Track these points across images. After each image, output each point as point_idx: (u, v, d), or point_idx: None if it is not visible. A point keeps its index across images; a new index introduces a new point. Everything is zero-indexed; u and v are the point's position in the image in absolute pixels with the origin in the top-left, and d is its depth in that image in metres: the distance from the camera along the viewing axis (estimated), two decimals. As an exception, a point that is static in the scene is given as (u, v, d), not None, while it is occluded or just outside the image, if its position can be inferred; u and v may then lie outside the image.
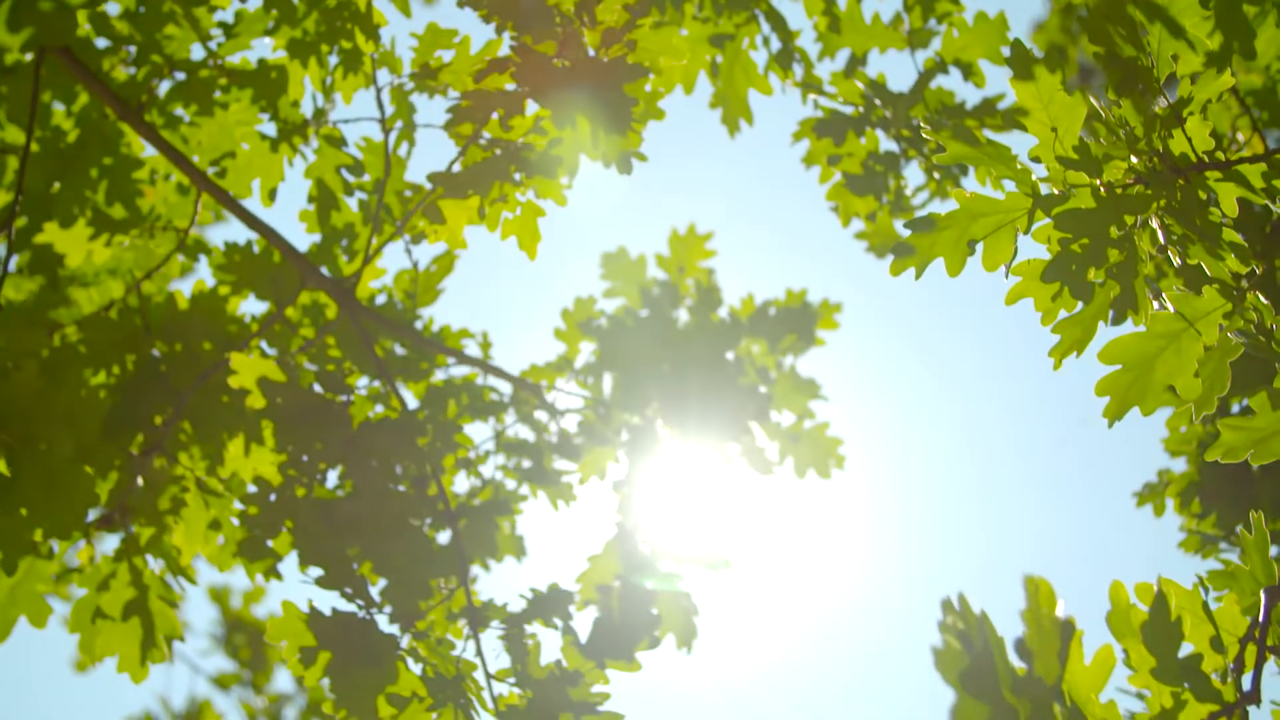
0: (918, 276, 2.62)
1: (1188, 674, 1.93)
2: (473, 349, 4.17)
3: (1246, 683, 2.03)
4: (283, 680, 8.38)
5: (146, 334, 3.60)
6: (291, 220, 3.88)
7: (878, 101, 3.93)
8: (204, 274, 6.73)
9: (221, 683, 8.29)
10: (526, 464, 4.11)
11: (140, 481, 3.45)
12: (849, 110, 4.00)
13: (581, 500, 4.25)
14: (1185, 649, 2.00)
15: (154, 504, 3.42)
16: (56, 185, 3.57)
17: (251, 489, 3.37)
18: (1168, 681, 1.93)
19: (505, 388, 4.18)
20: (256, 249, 3.73)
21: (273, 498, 3.38)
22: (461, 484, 4.10)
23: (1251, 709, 2.01)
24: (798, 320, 4.58)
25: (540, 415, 4.22)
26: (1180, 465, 3.90)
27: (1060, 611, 1.72)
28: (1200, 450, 3.81)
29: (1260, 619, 2.02)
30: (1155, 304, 2.59)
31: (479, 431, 4.21)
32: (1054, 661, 1.72)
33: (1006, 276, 2.67)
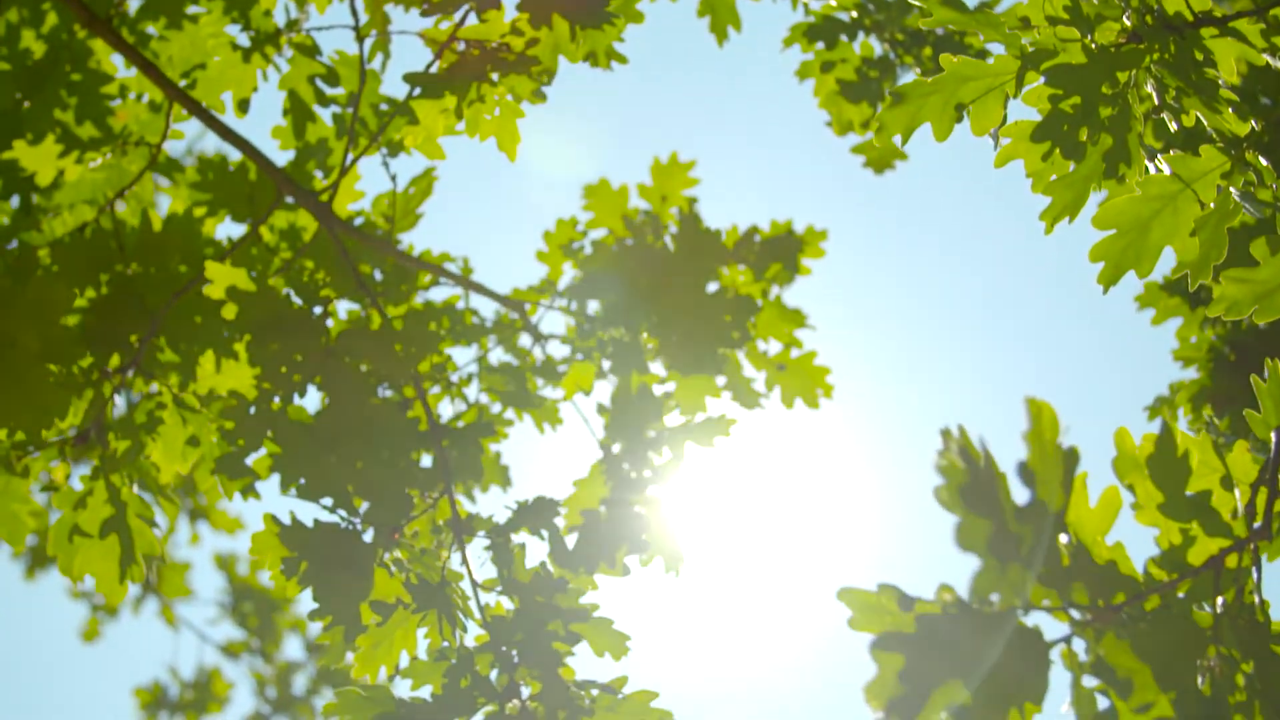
0: (904, 141, 2.53)
1: (1196, 509, 1.83)
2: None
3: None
4: (292, 648, 8.34)
5: (121, 255, 3.52)
6: (265, 141, 3.80)
7: (870, 6, 3.84)
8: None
9: (230, 651, 8.25)
10: (510, 386, 4.02)
11: (117, 400, 3.37)
12: (844, 17, 3.90)
13: (567, 424, 4.16)
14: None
15: (130, 421, 3.34)
16: (25, 105, 3.50)
17: (228, 403, 3.29)
18: (1176, 517, 1.83)
19: (487, 312, 4.09)
20: (231, 167, 3.64)
21: (251, 410, 3.30)
22: (445, 409, 4.02)
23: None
24: (782, 248, 4.47)
25: (524, 341, 4.13)
26: (1191, 375, 3.81)
27: (1063, 438, 1.62)
28: (1210, 358, 3.72)
29: (1272, 456, 1.92)
30: (1151, 166, 2.49)
31: (461, 356, 4.13)
32: (1057, 490, 1.62)
33: (996, 144, 2.58)
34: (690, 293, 4.23)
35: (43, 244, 3.54)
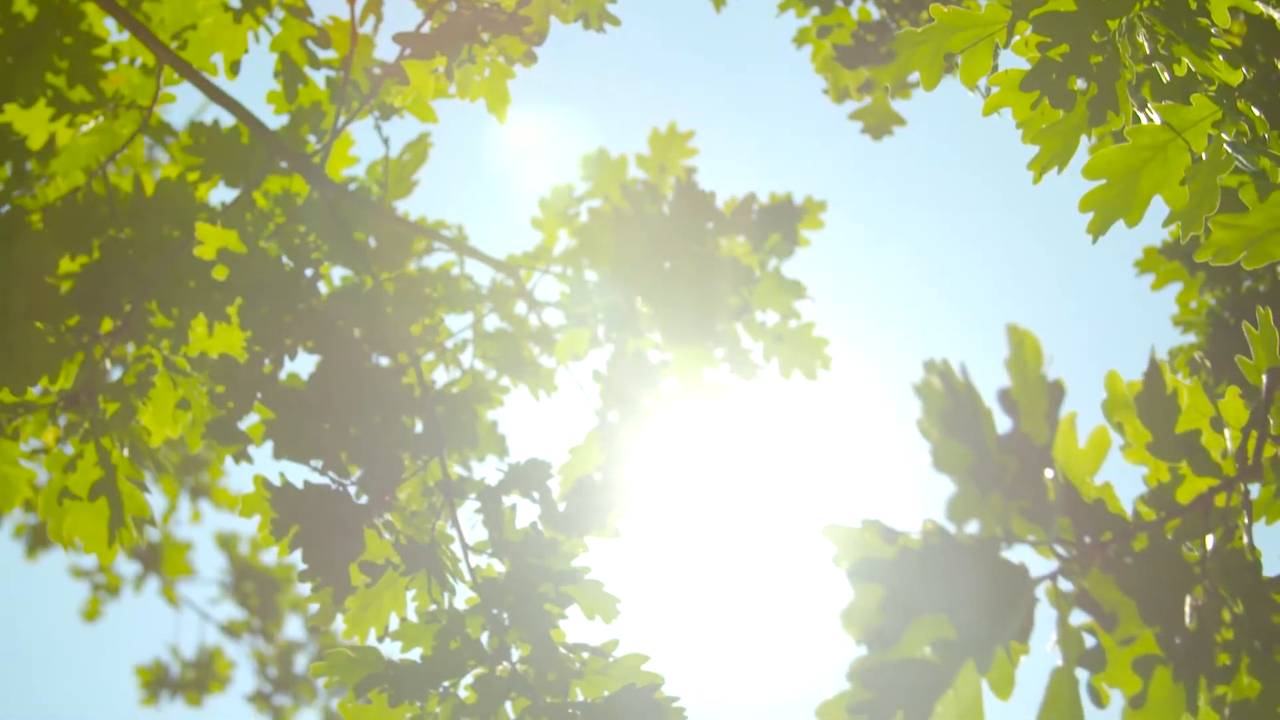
0: (893, 92, 2.51)
1: (1185, 448, 1.81)
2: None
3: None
4: (293, 628, 8.32)
5: (114, 219, 3.50)
6: (260, 108, 3.77)
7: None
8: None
9: (232, 630, 8.24)
10: (505, 353, 4.00)
11: (107, 364, 3.36)
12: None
13: (565, 395, 4.14)
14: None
15: (121, 384, 3.32)
16: (16, 68, 3.48)
17: (218, 366, 3.27)
18: (1164, 456, 1.81)
19: (483, 280, 4.07)
20: (224, 132, 3.62)
21: (240, 374, 3.28)
22: (440, 376, 4.00)
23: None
24: (781, 217, 4.44)
25: (520, 309, 4.11)
26: (1191, 340, 3.79)
27: (1047, 369, 1.60)
28: (1209, 321, 3.70)
29: (1263, 398, 1.90)
30: (1141, 116, 2.47)
31: (456, 324, 4.10)
32: (1042, 422, 1.60)
33: (985, 94, 2.56)
34: (686, 259, 4.20)
35: (36, 209, 3.52)
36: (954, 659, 1.59)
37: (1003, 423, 1.55)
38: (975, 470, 1.48)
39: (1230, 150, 2.41)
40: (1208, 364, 1.92)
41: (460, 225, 4.12)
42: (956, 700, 1.62)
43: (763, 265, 4.43)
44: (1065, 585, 1.65)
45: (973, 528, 1.52)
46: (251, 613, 8.19)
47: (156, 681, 8.08)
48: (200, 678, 8.09)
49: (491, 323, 4.10)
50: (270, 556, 8.21)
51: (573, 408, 4.11)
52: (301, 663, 8.23)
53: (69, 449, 3.30)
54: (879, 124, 4.04)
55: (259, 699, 8.17)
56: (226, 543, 8.20)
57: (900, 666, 1.56)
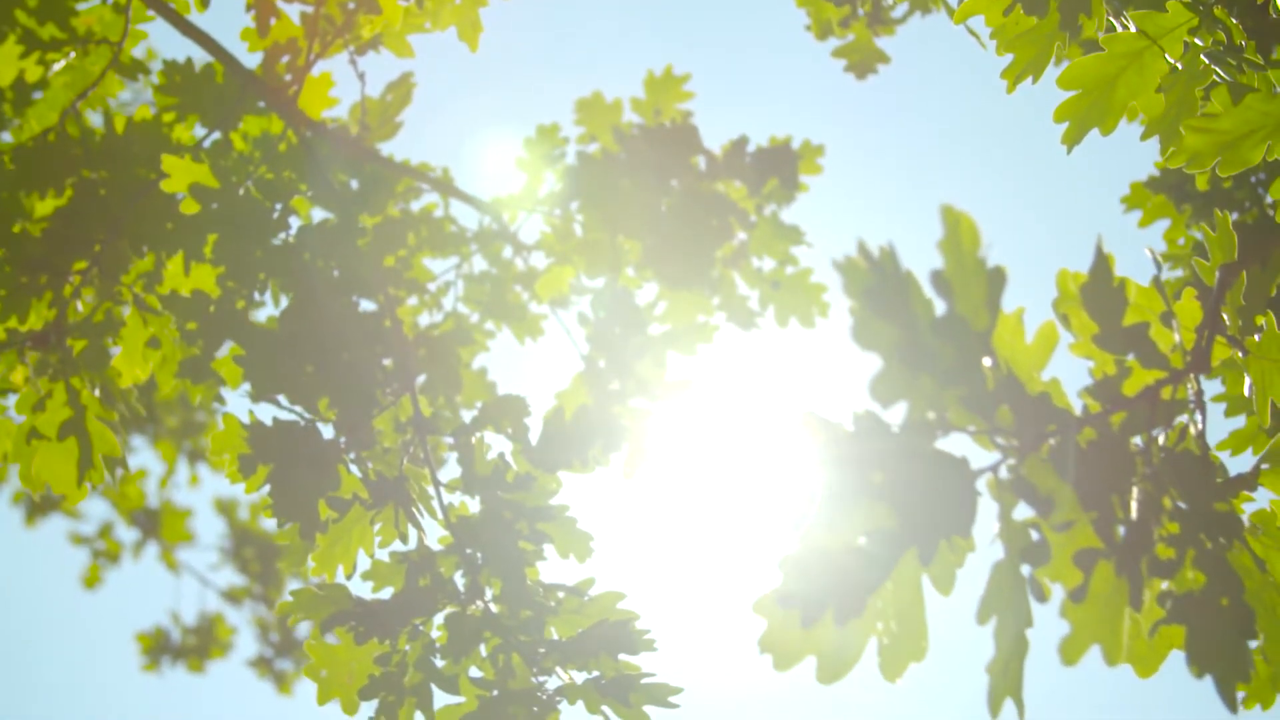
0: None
1: (1133, 341, 1.74)
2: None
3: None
4: (296, 594, 8.28)
5: (86, 160, 3.45)
6: (235, 47, 3.70)
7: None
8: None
9: (233, 596, 8.22)
10: (489, 295, 3.95)
11: (78, 305, 3.32)
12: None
13: (553, 342, 4.09)
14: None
15: (89, 322, 3.28)
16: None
17: (189, 303, 3.22)
18: (1111, 349, 1.74)
19: (468, 223, 4.02)
20: (197, 69, 3.57)
21: (212, 312, 3.24)
22: (424, 321, 3.95)
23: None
24: (778, 162, 4.37)
25: (506, 254, 4.05)
26: (1179, 275, 3.72)
27: (985, 253, 1.53)
28: (1195, 254, 3.62)
29: (1214, 294, 1.84)
30: (1116, 24, 2.41)
31: (440, 268, 4.04)
32: (980, 308, 1.53)
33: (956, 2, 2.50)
34: (678, 199, 4.14)
35: (7, 150, 3.48)
36: (890, 550, 1.53)
37: (936, 304, 1.49)
38: (902, 349, 1.42)
39: (1207, 60, 2.35)
40: (1159, 259, 1.85)
41: (446, 167, 4.06)
42: (895, 594, 1.56)
43: (759, 210, 4.37)
44: (1007, 478, 1.59)
45: (900, 410, 1.45)
46: (252, 579, 8.17)
47: (157, 648, 8.07)
48: (201, 644, 8.07)
49: (478, 265, 4.05)
50: (271, 523, 8.18)
51: (562, 356, 4.06)
52: (303, 628, 8.20)
53: (40, 391, 3.26)
54: (862, 61, 3.96)
55: (261, 664, 8.15)
56: (226, 508, 8.18)
57: (832, 556, 1.51)
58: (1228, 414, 3.09)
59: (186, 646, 8.07)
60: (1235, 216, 3.37)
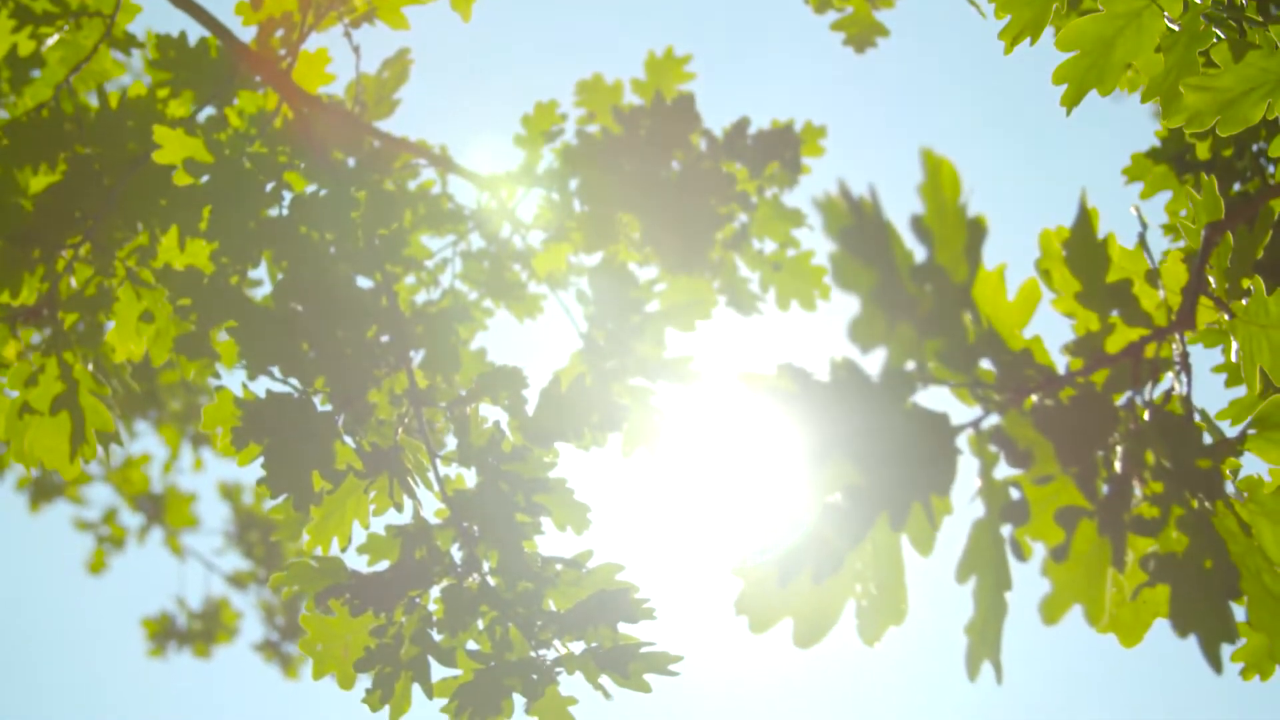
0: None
1: (1116, 298, 1.72)
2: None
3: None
4: (302, 579, 8.28)
5: (80, 135, 3.44)
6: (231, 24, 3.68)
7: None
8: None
9: (238, 581, 8.22)
10: (487, 273, 3.92)
11: (71, 280, 3.31)
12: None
13: (553, 322, 4.07)
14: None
15: (81, 296, 3.27)
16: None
17: (184, 278, 3.21)
18: (1093, 306, 1.72)
19: (466, 200, 3.99)
20: (191, 44, 3.55)
21: (206, 286, 3.22)
22: (421, 298, 3.93)
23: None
24: (780, 145, 4.35)
25: (504, 232, 4.03)
26: (1181, 245, 3.68)
27: (965, 200, 1.50)
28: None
29: (1199, 253, 1.81)
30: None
31: (437, 245, 4.02)
32: (960, 258, 1.51)
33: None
34: (678, 179, 4.12)
35: (2, 125, 3.47)
36: (869, 507, 1.51)
37: (916, 251, 1.46)
38: (880, 294, 1.40)
39: (1206, 20, 2.33)
40: (1144, 217, 1.83)
41: (444, 145, 4.04)
42: (874, 554, 1.54)
43: (760, 192, 4.34)
44: (988, 430, 1.57)
45: (879, 356, 1.43)
46: (257, 563, 8.17)
47: (163, 633, 8.07)
48: (207, 628, 8.07)
49: (475, 243, 4.03)
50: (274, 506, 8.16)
51: (562, 337, 4.03)
52: (309, 613, 8.20)
53: (33, 366, 3.25)
54: (861, 34, 3.93)
55: (267, 648, 8.15)
56: (230, 493, 8.17)
57: (808, 513, 1.49)
58: (1228, 384, 3.06)
59: (192, 631, 8.07)
60: (1238, 187, 3.33)
